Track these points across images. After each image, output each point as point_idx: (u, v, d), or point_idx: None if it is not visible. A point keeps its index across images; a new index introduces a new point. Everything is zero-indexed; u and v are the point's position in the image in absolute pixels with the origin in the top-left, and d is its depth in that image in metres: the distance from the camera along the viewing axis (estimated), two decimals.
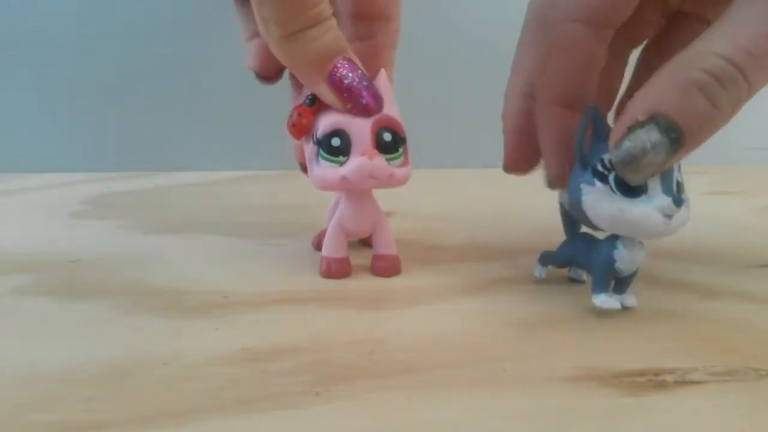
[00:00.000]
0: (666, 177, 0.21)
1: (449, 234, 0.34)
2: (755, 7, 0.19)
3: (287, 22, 0.23)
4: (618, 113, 0.23)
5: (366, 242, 0.30)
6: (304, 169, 0.27)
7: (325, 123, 0.25)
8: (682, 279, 0.27)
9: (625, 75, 0.26)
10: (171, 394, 0.18)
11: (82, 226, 0.36)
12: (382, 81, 0.25)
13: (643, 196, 0.21)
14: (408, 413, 0.17)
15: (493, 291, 0.26)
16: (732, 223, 0.37)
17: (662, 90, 0.19)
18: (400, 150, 0.25)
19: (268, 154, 0.48)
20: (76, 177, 0.50)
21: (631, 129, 0.19)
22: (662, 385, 0.18)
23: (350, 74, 0.24)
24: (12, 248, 0.31)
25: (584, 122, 0.22)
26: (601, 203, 0.21)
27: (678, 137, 0.19)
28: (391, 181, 0.25)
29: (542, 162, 0.24)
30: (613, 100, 0.26)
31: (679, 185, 0.21)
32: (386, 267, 0.27)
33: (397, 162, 0.25)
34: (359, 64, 0.24)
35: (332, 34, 0.24)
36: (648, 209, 0.20)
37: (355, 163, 0.24)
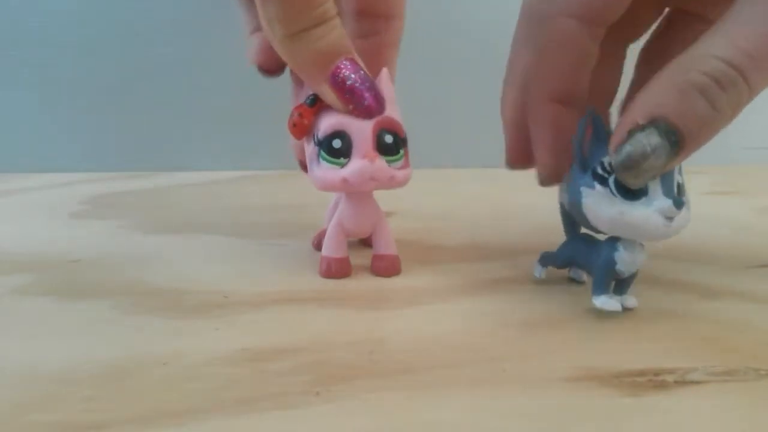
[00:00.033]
0: (666, 179, 0.21)
1: (449, 234, 0.34)
2: (756, 9, 0.19)
3: (292, 21, 0.23)
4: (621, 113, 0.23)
5: (366, 242, 0.30)
6: (304, 167, 0.27)
7: (326, 124, 0.25)
8: (682, 279, 0.27)
9: (624, 74, 0.26)
10: (171, 394, 0.18)
11: (82, 226, 0.36)
12: (384, 81, 0.25)
13: (644, 199, 0.21)
14: (408, 413, 0.17)
15: (493, 291, 0.26)
16: (732, 223, 0.37)
17: (662, 93, 0.19)
18: (401, 152, 0.25)
19: (268, 154, 0.48)
20: (76, 177, 0.50)
21: (631, 133, 0.19)
22: (662, 385, 0.18)
23: (353, 75, 0.24)
24: (12, 248, 0.31)
25: (584, 124, 0.22)
26: (601, 206, 0.21)
27: (678, 140, 0.19)
28: (391, 183, 0.25)
29: (535, 159, 0.24)
30: (612, 96, 0.26)
31: (680, 187, 0.21)
32: (386, 267, 0.27)
33: (398, 164, 0.25)
34: (362, 64, 0.24)
35: (336, 33, 0.24)
36: (648, 212, 0.20)
37: (356, 165, 0.24)
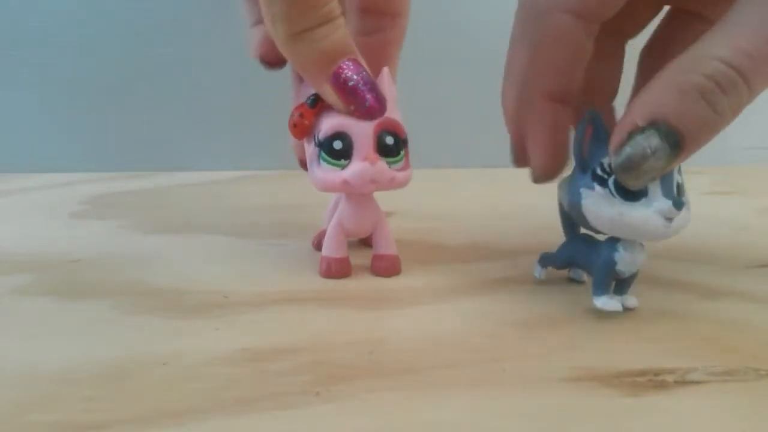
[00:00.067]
0: (666, 180, 0.21)
1: (449, 234, 0.34)
2: (756, 10, 0.19)
3: (296, 19, 0.22)
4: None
5: (366, 242, 0.30)
6: (304, 165, 0.27)
7: (328, 125, 0.25)
8: (682, 279, 0.27)
9: (625, 72, 0.26)
10: (171, 394, 0.18)
11: (82, 226, 0.36)
12: (385, 80, 0.25)
13: (643, 200, 0.21)
14: (408, 413, 0.17)
15: (493, 291, 0.26)
16: (732, 223, 0.37)
17: (662, 94, 0.19)
18: (402, 153, 0.25)
19: (268, 154, 0.48)
20: (76, 177, 0.50)
21: (631, 135, 0.19)
22: (662, 385, 0.18)
23: (355, 76, 0.24)
24: (12, 248, 0.31)
25: (584, 125, 0.22)
26: (600, 207, 0.21)
27: (678, 142, 0.19)
28: (392, 185, 0.25)
29: (528, 156, 0.24)
30: (614, 93, 0.26)
31: (680, 187, 0.21)
32: (386, 267, 0.27)
33: (399, 165, 0.25)
34: (365, 65, 0.24)
35: (340, 33, 0.24)
36: (648, 212, 0.20)
37: (356, 167, 0.24)
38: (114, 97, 0.52)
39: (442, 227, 0.36)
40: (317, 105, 0.25)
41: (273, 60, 0.27)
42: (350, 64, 0.24)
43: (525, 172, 0.25)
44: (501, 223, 0.37)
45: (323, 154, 0.25)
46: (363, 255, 0.29)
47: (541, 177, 0.24)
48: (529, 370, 0.19)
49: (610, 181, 0.21)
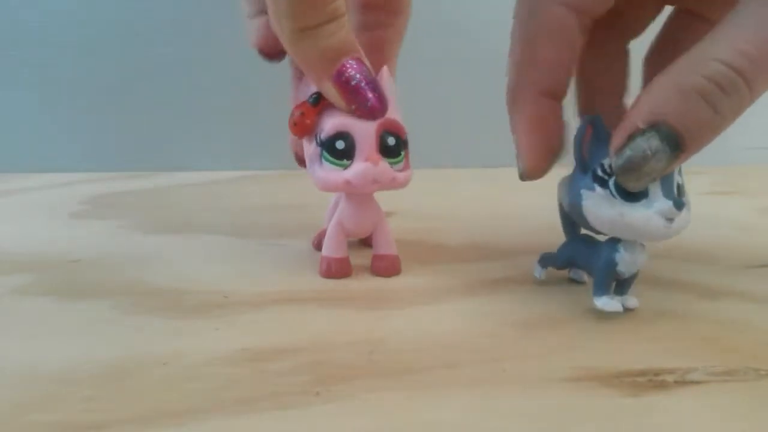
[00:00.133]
0: (666, 180, 0.21)
1: (449, 234, 0.34)
2: (758, 11, 0.19)
3: (302, 16, 0.22)
4: None
5: (366, 242, 0.30)
6: (300, 161, 0.27)
7: (330, 124, 0.25)
8: (682, 279, 0.27)
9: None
10: (171, 394, 0.18)
11: (82, 226, 0.36)
12: (384, 79, 0.25)
13: (644, 200, 0.21)
14: (408, 413, 0.17)
15: (493, 291, 0.26)
16: (732, 223, 0.37)
17: (663, 96, 0.19)
18: (402, 153, 0.25)
19: (268, 154, 0.48)
20: (76, 177, 0.50)
21: (631, 137, 0.19)
22: (662, 385, 0.18)
23: (358, 75, 0.24)
24: (12, 248, 0.31)
25: (584, 126, 0.22)
26: (601, 208, 0.21)
27: (679, 144, 0.19)
28: (393, 185, 0.25)
29: (515, 151, 0.24)
30: (623, 92, 0.26)
31: (680, 188, 0.21)
32: (386, 267, 0.27)
33: (399, 166, 0.25)
34: (368, 64, 0.24)
35: (345, 31, 0.23)
36: (648, 213, 0.20)
37: (359, 168, 0.24)
38: (114, 97, 0.52)
39: (442, 227, 0.36)
40: (319, 104, 0.25)
41: (271, 51, 0.27)
42: (353, 62, 0.24)
43: None
44: (501, 223, 0.37)
45: (325, 154, 0.25)
46: (363, 255, 0.29)
47: (527, 173, 0.23)
48: (529, 370, 0.19)
49: (611, 182, 0.21)
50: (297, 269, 0.28)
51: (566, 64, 0.23)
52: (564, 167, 0.24)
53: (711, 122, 0.19)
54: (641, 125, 0.19)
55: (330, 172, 0.25)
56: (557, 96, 0.23)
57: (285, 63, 0.28)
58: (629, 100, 0.25)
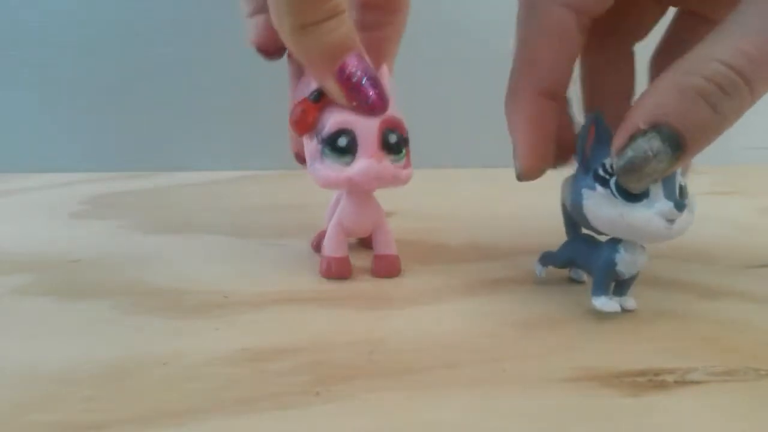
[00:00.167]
0: (668, 181, 0.21)
1: (449, 234, 0.34)
2: (758, 12, 0.19)
3: (303, 12, 0.22)
4: None
5: (365, 243, 0.30)
6: (299, 158, 0.27)
7: (332, 121, 0.24)
8: (682, 279, 0.27)
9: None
10: (171, 394, 0.18)
11: (82, 226, 0.36)
12: (385, 77, 0.25)
13: (645, 201, 0.21)
14: (408, 413, 0.17)
15: (493, 291, 0.26)
16: (732, 223, 0.37)
17: (663, 97, 0.19)
18: (404, 151, 0.25)
19: (268, 154, 0.48)
20: (76, 177, 0.50)
21: (633, 137, 0.19)
22: (662, 385, 0.18)
23: (359, 72, 0.24)
24: (12, 248, 0.31)
25: (587, 126, 0.22)
26: (601, 207, 0.21)
27: (680, 144, 0.19)
28: (395, 182, 0.25)
29: (513, 152, 0.24)
30: (629, 93, 0.26)
31: (682, 189, 0.21)
32: (386, 267, 0.27)
33: (401, 163, 0.25)
34: (369, 61, 0.24)
35: (346, 28, 0.24)
36: (649, 214, 0.20)
37: (362, 164, 0.24)
38: (114, 97, 0.52)
39: (442, 227, 0.36)
40: (320, 100, 0.25)
41: (270, 48, 0.27)
42: (355, 59, 0.24)
43: None
44: (501, 223, 0.37)
45: (327, 151, 0.25)
46: (363, 255, 0.29)
47: (524, 174, 0.23)
48: (529, 370, 0.19)
49: (612, 182, 0.21)
50: (297, 269, 0.28)
51: (565, 65, 0.23)
52: (566, 167, 0.24)
53: (712, 123, 0.19)
54: (642, 126, 0.19)
55: (331, 169, 0.25)
56: (555, 96, 0.23)
57: (284, 61, 0.28)
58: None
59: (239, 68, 0.50)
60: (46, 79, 0.52)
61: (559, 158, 0.25)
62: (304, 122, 0.25)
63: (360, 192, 0.26)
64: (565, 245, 0.25)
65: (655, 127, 0.19)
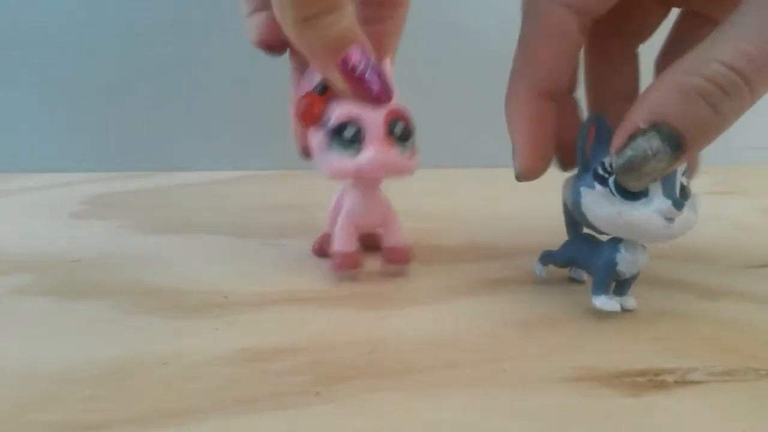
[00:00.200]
0: (668, 180, 0.20)
1: (449, 234, 0.34)
2: (759, 13, 0.19)
3: (305, 5, 0.22)
4: None
5: (365, 242, 0.30)
6: (305, 152, 0.27)
7: (338, 112, 0.25)
8: (682, 279, 0.27)
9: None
10: (171, 394, 0.18)
11: (82, 226, 0.36)
12: (387, 71, 0.25)
13: (643, 199, 0.21)
14: (408, 413, 0.17)
15: (493, 291, 0.26)
16: (732, 223, 0.37)
17: (663, 96, 0.19)
18: (410, 140, 0.26)
19: (268, 154, 0.48)
20: (76, 177, 0.50)
21: (632, 136, 0.19)
22: (662, 385, 0.18)
23: (363, 63, 0.24)
24: (12, 248, 0.31)
25: (587, 126, 0.22)
26: (600, 206, 0.21)
27: (679, 144, 0.19)
28: (403, 172, 0.25)
29: (512, 152, 0.24)
30: (633, 95, 0.26)
31: (684, 188, 0.21)
32: (398, 256, 0.27)
33: (408, 153, 0.25)
34: (372, 52, 0.24)
35: (349, 20, 0.24)
36: (647, 212, 0.20)
37: (370, 153, 0.24)
38: (114, 97, 0.52)
39: (442, 227, 0.36)
40: (326, 93, 0.25)
41: (274, 43, 0.27)
42: (358, 51, 0.24)
43: None
44: (501, 223, 0.37)
45: (334, 142, 0.25)
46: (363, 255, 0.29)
47: (524, 174, 0.23)
48: (529, 370, 0.19)
49: (611, 180, 0.21)
50: (297, 269, 0.28)
51: (565, 65, 0.23)
52: (573, 169, 0.24)
53: (711, 123, 0.19)
54: (642, 125, 0.19)
55: (339, 160, 0.25)
56: (555, 97, 0.23)
57: (284, 61, 0.28)
58: None
59: (239, 68, 0.50)
60: (46, 79, 0.52)
61: (567, 160, 0.25)
62: (310, 114, 0.25)
63: (367, 184, 0.26)
64: (566, 245, 0.25)
65: (655, 127, 0.19)
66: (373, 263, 0.28)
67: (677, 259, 0.29)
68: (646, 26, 0.26)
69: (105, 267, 0.28)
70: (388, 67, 0.25)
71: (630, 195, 0.21)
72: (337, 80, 0.24)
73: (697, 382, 0.18)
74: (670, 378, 0.19)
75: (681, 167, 0.21)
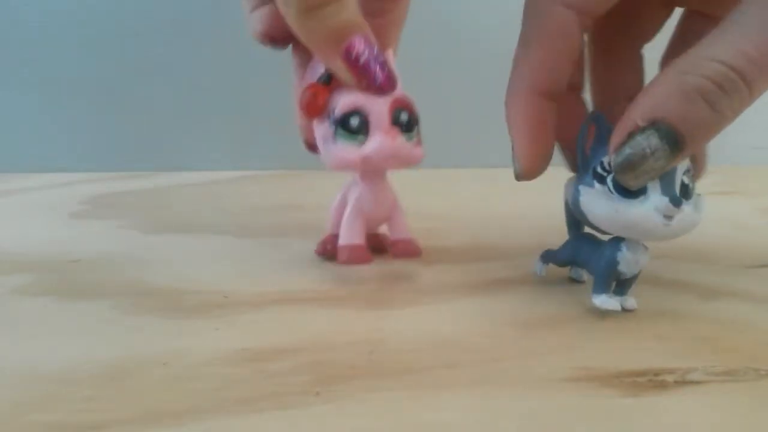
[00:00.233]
0: (666, 178, 0.20)
1: (449, 234, 0.34)
2: (758, 12, 0.19)
3: None
4: None
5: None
6: (311, 147, 0.27)
7: (343, 102, 0.25)
8: (682, 279, 0.27)
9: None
10: (171, 394, 0.18)
11: (82, 226, 0.36)
12: (390, 60, 0.25)
13: (641, 197, 0.21)
14: (408, 413, 0.17)
15: (493, 291, 0.26)
16: (733, 223, 0.37)
17: (662, 95, 0.19)
18: (415, 129, 0.26)
19: (268, 154, 0.48)
20: (76, 177, 0.50)
21: (630, 135, 0.19)
22: (662, 385, 0.18)
23: (366, 52, 0.24)
24: (12, 248, 0.31)
25: (587, 126, 0.22)
26: (598, 204, 0.21)
27: (678, 142, 0.19)
28: (410, 160, 0.25)
29: (511, 152, 0.24)
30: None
31: (685, 187, 0.21)
32: (406, 250, 0.27)
33: (413, 142, 0.25)
34: (376, 42, 0.24)
35: (352, 10, 0.24)
36: (644, 210, 0.20)
37: (376, 142, 0.24)
38: (114, 97, 0.52)
39: (442, 227, 0.36)
40: (331, 83, 0.25)
41: (278, 37, 0.27)
42: (362, 40, 0.24)
43: None
44: (501, 223, 0.37)
45: (339, 132, 0.25)
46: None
47: (523, 173, 0.23)
48: (529, 370, 0.19)
49: (609, 179, 0.21)
50: (297, 269, 0.28)
51: (565, 65, 0.23)
52: (563, 167, 0.24)
53: (710, 121, 0.19)
54: (641, 123, 0.19)
55: (345, 150, 0.25)
56: (555, 96, 0.23)
57: (284, 61, 0.28)
58: None
59: (239, 68, 0.50)
60: (46, 79, 0.52)
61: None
62: (315, 105, 0.25)
63: (374, 176, 0.26)
64: (567, 243, 0.25)
65: (654, 125, 0.19)
66: (373, 263, 0.28)
67: (677, 259, 0.29)
68: (650, 26, 0.26)
69: (105, 267, 0.28)
70: (391, 57, 0.25)
71: (628, 193, 0.21)
72: (341, 70, 0.24)
73: (697, 382, 0.18)
74: (670, 378, 0.19)
75: (682, 165, 0.21)
